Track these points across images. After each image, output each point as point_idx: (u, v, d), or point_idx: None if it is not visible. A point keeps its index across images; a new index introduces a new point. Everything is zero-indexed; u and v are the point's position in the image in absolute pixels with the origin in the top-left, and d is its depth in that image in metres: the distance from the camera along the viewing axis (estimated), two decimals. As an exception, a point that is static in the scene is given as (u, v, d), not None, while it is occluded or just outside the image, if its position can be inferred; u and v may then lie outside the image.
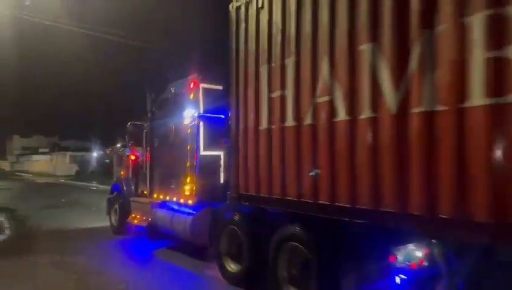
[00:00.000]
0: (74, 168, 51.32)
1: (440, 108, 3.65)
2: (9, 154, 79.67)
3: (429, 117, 3.73)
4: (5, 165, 74.75)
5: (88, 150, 54.34)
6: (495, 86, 3.29)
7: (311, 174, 4.89)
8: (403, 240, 4.93)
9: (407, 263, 5.02)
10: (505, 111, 3.25)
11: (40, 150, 66.51)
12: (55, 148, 65.65)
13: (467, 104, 3.45)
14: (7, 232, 10.76)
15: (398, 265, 5.02)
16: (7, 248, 9.10)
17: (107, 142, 50.37)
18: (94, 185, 30.64)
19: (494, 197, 3.30)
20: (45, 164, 60.45)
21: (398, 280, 5.05)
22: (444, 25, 3.64)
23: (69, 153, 59.55)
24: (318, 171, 4.82)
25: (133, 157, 10.05)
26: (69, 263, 7.68)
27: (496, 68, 3.28)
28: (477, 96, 3.38)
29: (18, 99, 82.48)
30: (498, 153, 3.29)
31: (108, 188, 11.91)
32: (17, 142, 79.26)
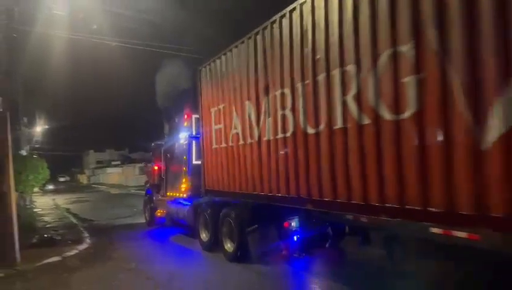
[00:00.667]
0: (143, 178, 57.27)
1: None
2: (86, 168, 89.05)
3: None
4: (83, 178, 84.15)
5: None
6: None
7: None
8: (292, 214, 8.02)
9: (296, 227, 8.18)
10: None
11: (113, 163, 74.30)
12: (125, 160, 73.07)
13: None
14: (88, 241, 12.05)
15: (291, 229, 8.19)
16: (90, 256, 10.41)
17: None
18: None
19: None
20: (117, 176, 67.56)
21: (295, 238, 8.23)
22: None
23: (138, 165, 66.25)
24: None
25: (156, 167, 13.82)
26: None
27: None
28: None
29: (91, 117, 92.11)
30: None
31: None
32: (92, 157, 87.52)
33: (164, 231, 13.12)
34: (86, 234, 13.11)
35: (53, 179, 67.42)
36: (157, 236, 12.81)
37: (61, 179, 74.79)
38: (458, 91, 4.06)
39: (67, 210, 23.64)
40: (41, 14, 12.47)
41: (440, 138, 4.26)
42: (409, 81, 4.54)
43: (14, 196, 9.26)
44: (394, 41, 4.70)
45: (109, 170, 70.75)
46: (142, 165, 61.56)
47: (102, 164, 78.11)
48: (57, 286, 7.69)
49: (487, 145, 3.83)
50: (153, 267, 8.74)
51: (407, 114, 4.59)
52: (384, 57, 4.85)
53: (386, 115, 4.86)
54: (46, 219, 18.36)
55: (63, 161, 69.50)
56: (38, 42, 14.92)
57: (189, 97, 11.80)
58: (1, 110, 9.00)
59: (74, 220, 17.09)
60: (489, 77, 3.80)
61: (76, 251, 10.72)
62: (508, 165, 3.68)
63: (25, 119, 33.43)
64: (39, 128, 40.02)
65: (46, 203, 28.27)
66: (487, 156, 3.83)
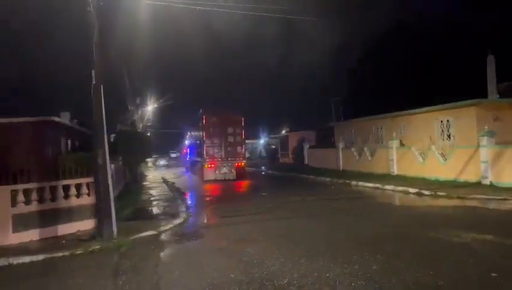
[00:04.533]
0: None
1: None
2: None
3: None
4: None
5: (256, 137, 61.72)
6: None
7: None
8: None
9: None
10: None
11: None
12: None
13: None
14: (184, 215, 11.90)
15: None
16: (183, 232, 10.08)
17: (273, 130, 57.23)
18: (263, 169, 35.30)
19: None
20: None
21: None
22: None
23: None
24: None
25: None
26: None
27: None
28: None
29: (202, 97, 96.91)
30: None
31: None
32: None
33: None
34: (183, 208, 13.05)
35: (165, 154, 72.89)
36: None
37: (173, 155, 79.43)
38: None
39: (172, 184, 24.57)
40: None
41: None
42: None
43: (109, 168, 9.22)
44: None
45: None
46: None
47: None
48: (148, 260, 7.38)
49: None
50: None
51: None
52: None
53: None
54: (151, 191, 19.10)
55: (174, 137, 73.63)
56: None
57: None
58: (94, 82, 8.90)
59: (175, 194, 17.41)
60: None
61: (171, 225, 10.56)
62: None
63: (137, 100, 35.79)
64: (150, 107, 42.60)
65: (155, 177, 29.94)
66: None
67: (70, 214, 9.93)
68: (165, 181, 25.97)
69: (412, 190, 15.29)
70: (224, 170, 24.58)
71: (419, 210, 11.80)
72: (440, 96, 20.63)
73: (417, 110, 20.13)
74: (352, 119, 27.25)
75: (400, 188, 15.97)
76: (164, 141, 76.13)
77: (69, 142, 20.24)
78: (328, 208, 12.50)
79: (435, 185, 15.56)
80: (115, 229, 9.20)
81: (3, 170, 10.63)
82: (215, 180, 24.08)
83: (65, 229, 9.73)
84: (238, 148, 25.18)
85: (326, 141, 31.96)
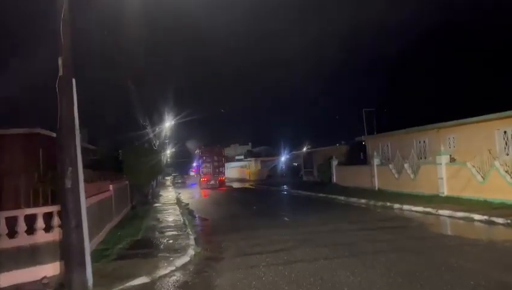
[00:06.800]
0: (265, 172, 56.39)
1: None
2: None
3: None
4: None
5: (277, 155, 59.02)
6: None
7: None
8: None
9: None
10: None
11: (237, 157, 74.90)
12: (248, 155, 72.99)
13: None
14: (191, 251, 9.13)
15: None
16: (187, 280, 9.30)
17: (294, 146, 54.87)
18: (285, 189, 32.49)
19: None
20: (240, 170, 67.93)
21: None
22: None
23: (260, 159, 65.50)
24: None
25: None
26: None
27: None
28: None
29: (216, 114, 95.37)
30: None
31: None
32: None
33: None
34: (192, 242, 10.36)
35: (184, 173, 71.17)
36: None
37: (191, 173, 77.69)
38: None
39: (186, 206, 22.09)
40: None
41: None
42: None
43: (82, 192, 6.67)
44: None
45: (233, 164, 71.79)
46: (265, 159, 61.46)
47: (228, 159, 79.29)
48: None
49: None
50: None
51: None
52: None
53: None
54: (160, 216, 16.53)
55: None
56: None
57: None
58: (61, 74, 6.44)
59: (186, 220, 14.73)
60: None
61: (173, 268, 7.91)
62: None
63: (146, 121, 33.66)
64: (167, 124, 40.60)
65: (170, 198, 27.48)
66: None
67: (35, 255, 7.41)
68: (178, 202, 23.44)
69: (477, 217, 12.21)
70: (212, 182, 41.41)
71: (504, 248, 8.74)
72: (495, 102, 17.53)
73: (471, 119, 16.97)
74: (388, 132, 24.16)
75: (460, 214, 12.90)
76: (186, 158, 75.14)
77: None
78: (377, 242, 9.55)
79: (505, 211, 12.44)
80: (89, 277, 6.61)
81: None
82: (209, 187, 40.13)
83: (27, 275, 7.20)
84: (221, 169, 43.26)
85: (355, 157, 28.90)
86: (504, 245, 8.88)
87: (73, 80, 6.66)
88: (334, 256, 8.30)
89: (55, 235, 7.62)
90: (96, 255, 8.72)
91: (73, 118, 6.55)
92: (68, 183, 6.37)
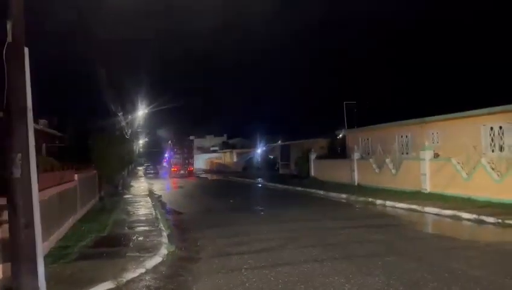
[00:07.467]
0: (241, 164, 55.65)
1: None
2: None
3: None
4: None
5: (253, 147, 58.17)
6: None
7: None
8: None
9: None
10: None
11: (212, 149, 73.80)
12: (223, 146, 71.93)
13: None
14: (164, 251, 8.09)
15: None
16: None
17: (270, 139, 54.09)
18: (261, 182, 31.74)
19: None
20: (215, 161, 67.05)
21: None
22: None
23: (235, 151, 64.65)
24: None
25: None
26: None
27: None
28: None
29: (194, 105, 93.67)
30: None
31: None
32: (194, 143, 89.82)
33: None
34: (165, 239, 9.38)
35: (157, 163, 69.40)
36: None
37: (165, 164, 76.05)
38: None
39: (159, 198, 21.00)
40: None
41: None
42: None
43: (35, 184, 5.60)
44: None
45: (207, 155, 70.79)
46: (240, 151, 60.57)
47: (203, 150, 78.06)
48: None
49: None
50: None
51: None
52: None
53: None
54: (131, 208, 15.40)
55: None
56: None
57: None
58: (10, 40, 5.32)
59: (158, 214, 13.68)
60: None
61: (143, 271, 6.94)
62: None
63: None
64: (141, 112, 39.11)
65: (142, 189, 26.21)
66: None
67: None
68: (150, 194, 22.26)
69: (465, 215, 11.74)
70: (182, 171, 45.29)
71: (506, 251, 8.14)
72: (479, 97, 17.21)
73: (456, 115, 16.55)
74: (369, 126, 23.64)
75: (447, 212, 12.41)
76: (159, 148, 73.39)
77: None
78: (369, 243, 8.83)
79: (492, 209, 12.02)
80: (42, 283, 5.55)
81: None
82: (178, 177, 42.94)
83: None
84: (190, 160, 47.99)
85: (334, 151, 28.36)
86: (505, 248, 8.30)
87: (26, 49, 5.57)
88: (324, 258, 7.51)
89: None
90: (54, 255, 7.67)
91: (25, 94, 5.45)
92: (16, 173, 5.30)
